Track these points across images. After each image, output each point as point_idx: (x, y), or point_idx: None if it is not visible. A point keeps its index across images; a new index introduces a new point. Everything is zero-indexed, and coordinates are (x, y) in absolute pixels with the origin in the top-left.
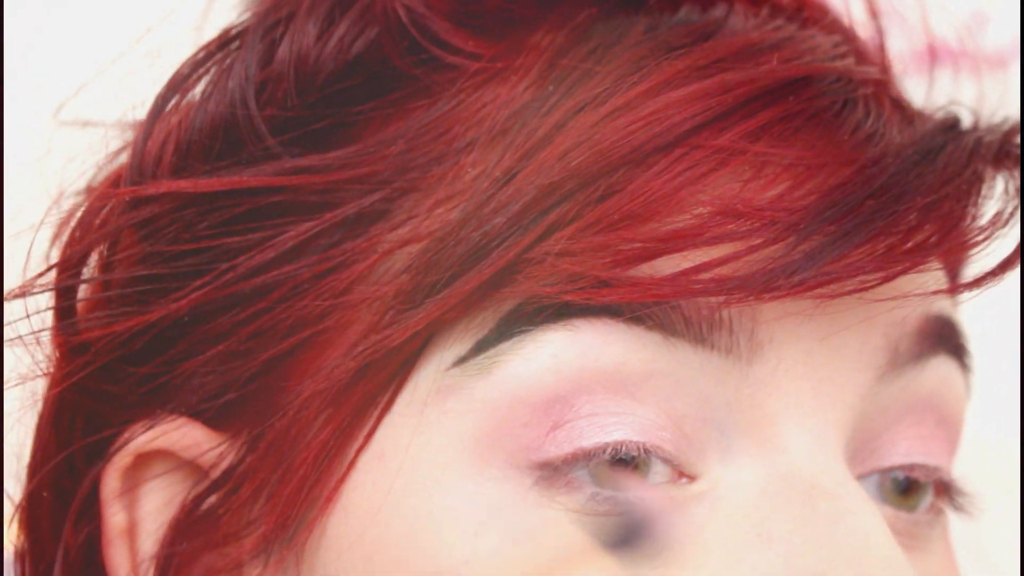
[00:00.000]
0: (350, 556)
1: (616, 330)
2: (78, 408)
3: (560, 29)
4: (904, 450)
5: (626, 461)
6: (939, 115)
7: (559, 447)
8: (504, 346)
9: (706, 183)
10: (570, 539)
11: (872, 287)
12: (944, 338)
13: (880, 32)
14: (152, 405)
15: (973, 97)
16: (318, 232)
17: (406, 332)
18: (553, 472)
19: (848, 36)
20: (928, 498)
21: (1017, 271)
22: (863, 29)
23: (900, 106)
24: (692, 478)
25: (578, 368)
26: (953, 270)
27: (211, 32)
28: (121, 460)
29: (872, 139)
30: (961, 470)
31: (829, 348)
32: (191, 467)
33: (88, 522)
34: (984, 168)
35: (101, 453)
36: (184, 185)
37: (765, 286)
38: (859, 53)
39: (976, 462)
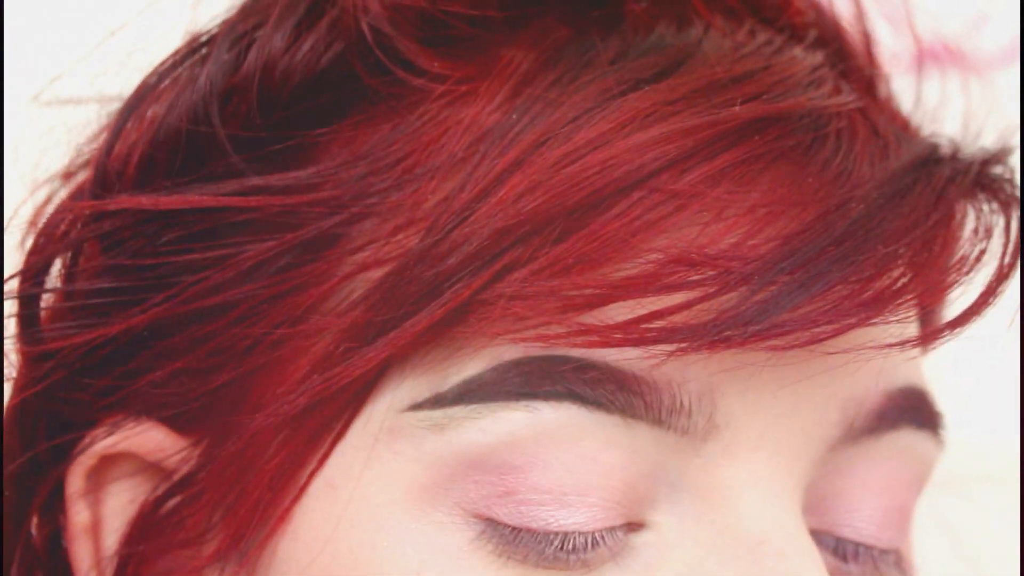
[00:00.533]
0: None
1: (578, 414)
2: (41, 411)
3: (531, 49)
4: (860, 522)
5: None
6: (917, 145)
7: (508, 515)
8: (461, 411)
9: (663, 227)
10: None
11: (825, 339)
12: (906, 411)
13: (868, 39)
14: (116, 408)
15: (973, 98)
16: (277, 252)
17: (357, 370)
18: (496, 529)
19: (834, 52)
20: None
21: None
22: (852, 34)
23: (876, 133)
24: (640, 526)
25: (535, 445)
26: (928, 313)
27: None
28: (86, 461)
29: (840, 178)
30: (961, 470)
31: (785, 425)
32: (154, 469)
33: (51, 520)
34: (955, 206)
35: (65, 453)
36: (144, 202)
37: (716, 336)
38: (844, 70)
39: (976, 462)
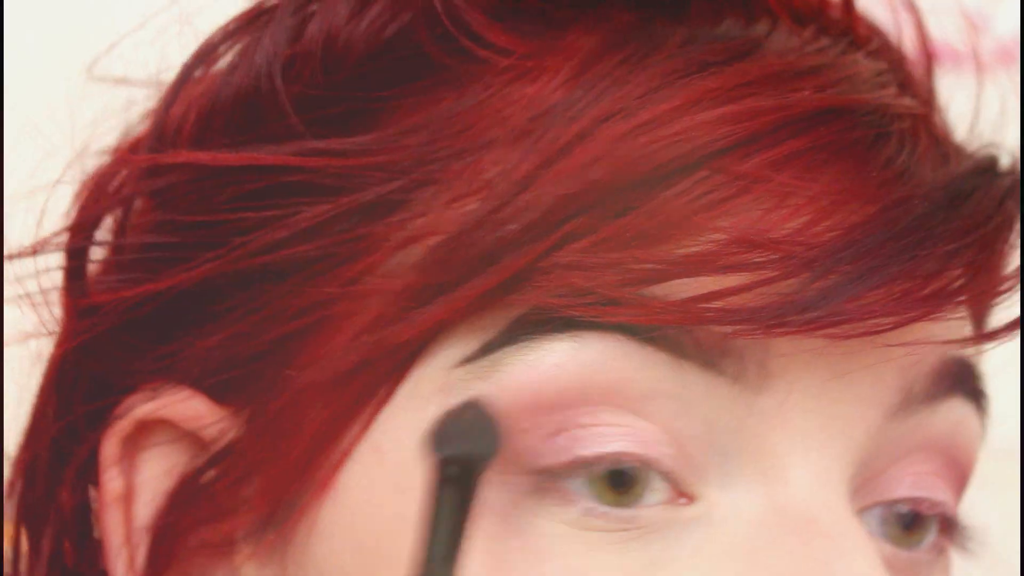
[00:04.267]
0: (339, 546)
1: (624, 347)
2: (81, 370)
3: (595, 32)
4: (909, 484)
5: (624, 475)
6: (977, 156)
7: (557, 455)
8: (509, 350)
9: (725, 208)
10: (559, 551)
11: (884, 331)
12: (960, 381)
13: (929, 60)
14: (157, 374)
15: (973, 98)
16: (334, 216)
17: (411, 330)
18: (550, 480)
19: (895, 62)
20: (931, 536)
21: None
22: (912, 56)
23: (937, 142)
24: (691, 499)
25: (581, 380)
26: (979, 316)
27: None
28: (122, 427)
29: (902, 176)
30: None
31: (841, 384)
32: (192, 439)
33: (84, 487)
34: (1015, 214)
35: (102, 417)
36: (203, 157)
37: (775, 320)
38: (904, 82)
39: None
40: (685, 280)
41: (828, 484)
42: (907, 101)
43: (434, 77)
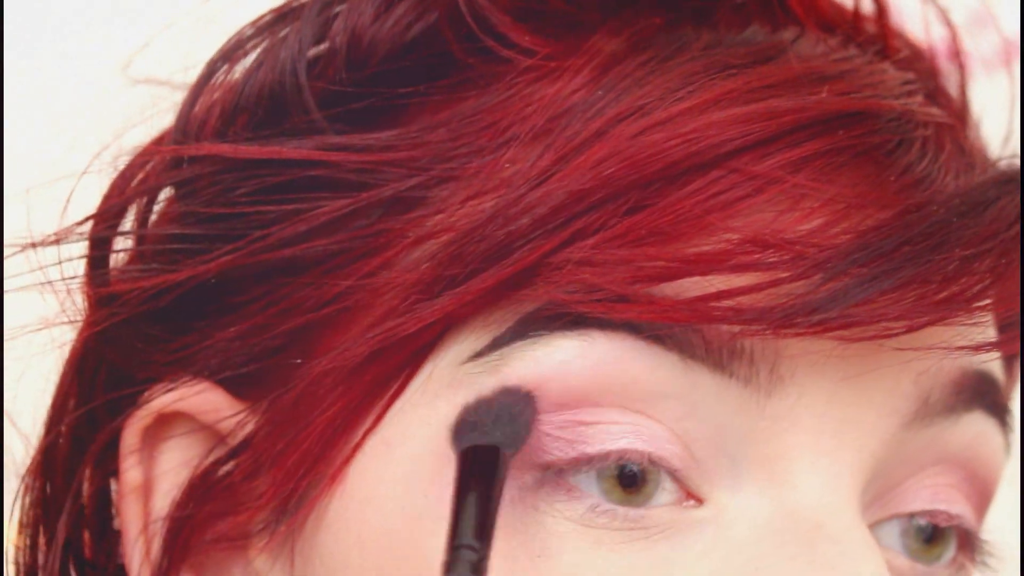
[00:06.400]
0: (344, 539)
1: (633, 347)
2: (102, 359)
3: (619, 35)
4: (927, 496)
5: (634, 475)
6: (1001, 167)
7: (562, 451)
8: (516, 346)
9: (739, 208)
10: (565, 547)
11: (895, 335)
12: (981, 394)
13: (964, 73)
14: (176, 366)
15: (973, 98)
16: (353, 211)
17: (420, 322)
18: (556, 476)
19: (925, 73)
20: (951, 550)
21: None
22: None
23: (964, 152)
24: (699, 501)
25: (587, 379)
26: (1004, 322)
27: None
28: (142, 418)
29: (921, 183)
30: None
31: (855, 390)
32: (210, 432)
33: (102, 475)
34: None
35: (121, 406)
36: (225, 149)
37: (784, 321)
38: (933, 92)
39: None
40: (696, 279)
41: (838, 490)
42: (934, 110)
43: (457, 76)
